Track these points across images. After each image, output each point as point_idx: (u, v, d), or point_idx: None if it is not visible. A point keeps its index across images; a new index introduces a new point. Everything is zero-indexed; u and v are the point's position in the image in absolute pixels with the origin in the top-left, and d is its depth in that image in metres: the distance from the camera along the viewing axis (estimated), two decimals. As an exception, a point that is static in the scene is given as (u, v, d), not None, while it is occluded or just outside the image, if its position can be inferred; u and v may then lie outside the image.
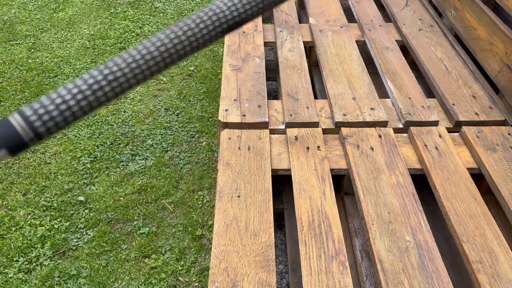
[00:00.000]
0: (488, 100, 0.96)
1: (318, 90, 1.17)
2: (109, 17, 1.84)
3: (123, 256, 0.95)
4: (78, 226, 1.02)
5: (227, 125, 0.89)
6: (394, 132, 0.89)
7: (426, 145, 0.85)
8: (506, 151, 0.83)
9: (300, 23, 1.28)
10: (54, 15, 1.84)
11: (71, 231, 1.01)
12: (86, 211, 1.05)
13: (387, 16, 1.35)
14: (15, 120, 0.14)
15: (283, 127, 0.90)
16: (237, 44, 1.15)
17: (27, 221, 1.03)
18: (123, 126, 1.30)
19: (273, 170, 0.80)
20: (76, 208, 1.06)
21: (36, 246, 0.97)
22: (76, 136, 1.26)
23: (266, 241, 0.67)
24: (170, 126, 1.31)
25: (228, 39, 1.17)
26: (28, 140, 0.14)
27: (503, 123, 0.91)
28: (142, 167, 1.17)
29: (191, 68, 1.56)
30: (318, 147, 0.84)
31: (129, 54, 0.18)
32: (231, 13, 0.22)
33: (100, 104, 0.16)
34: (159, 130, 1.29)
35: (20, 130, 0.13)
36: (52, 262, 0.94)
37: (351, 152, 0.83)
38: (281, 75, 1.04)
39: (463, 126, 0.90)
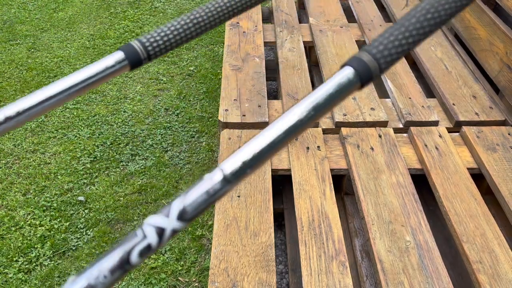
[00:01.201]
0: (488, 100, 0.96)
1: (318, 90, 1.16)
2: (109, 17, 1.83)
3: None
4: (78, 226, 1.02)
5: (227, 125, 0.89)
6: (394, 132, 0.89)
7: (426, 145, 0.85)
8: (506, 151, 0.83)
9: (300, 23, 1.28)
10: (54, 15, 1.84)
11: (71, 231, 1.01)
12: (86, 211, 1.05)
13: (387, 16, 1.35)
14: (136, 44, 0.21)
15: (283, 127, 0.89)
16: (237, 44, 1.15)
17: (27, 221, 1.03)
18: (123, 126, 1.30)
19: (273, 170, 0.80)
20: (76, 208, 1.06)
21: (36, 246, 0.97)
22: (76, 136, 1.26)
23: (266, 241, 0.67)
24: (170, 126, 1.30)
25: (228, 39, 1.17)
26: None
27: (503, 123, 0.91)
28: (142, 167, 1.17)
29: (191, 68, 1.56)
30: (318, 147, 0.84)
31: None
32: None
33: None
34: (159, 130, 1.29)
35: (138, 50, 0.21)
36: (52, 262, 0.94)
37: (351, 152, 0.83)
38: (281, 75, 1.04)
39: (463, 126, 0.90)
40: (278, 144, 0.16)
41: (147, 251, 0.15)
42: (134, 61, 0.21)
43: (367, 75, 0.17)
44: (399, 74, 1.05)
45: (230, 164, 0.16)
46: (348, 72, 0.17)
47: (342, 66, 0.17)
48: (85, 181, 1.13)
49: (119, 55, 0.21)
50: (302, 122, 0.17)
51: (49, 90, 0.20)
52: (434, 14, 0.18)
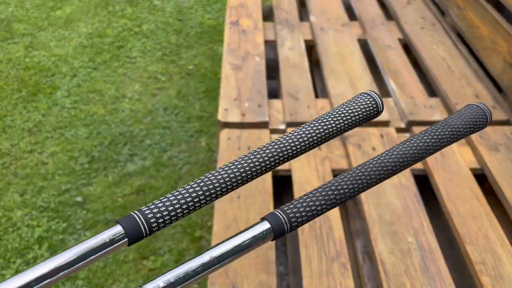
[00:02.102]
0: (491, 99, 0.95)
1: (319, 89, 1.16)
2: (107, 16, 1.82)
3: (121, 258, 0.94)
4: (76, 227, 1.01)
5: (227, 125, 0.88)
6: (396, 132, 0.88)
7: (428, 145, 0.84)
8: (509, 151, 0.82)
9: (301, 21, 1.27)
10: (52, 13, 1.82)
11: (68, 232, 1.00)
12: (84, 212, 1.04)
13: (388, 14, 1.34)
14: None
15: (283, 126, 0.89)
16: (237, 42, 1.14)
17: (24, 222, 1.02)
18: (121, 125, 1.29)
19: (273, 171, 0.79)
20: (73, 209, 1.05)
21: (33, 247, 0.96)
22: (73, 136, 1.25)
23: (267, 243, 0.66)
24: (169, 126, 1.29)
25: (227, 37, 1.16)
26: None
27: (506, 122, 0.90)
28: (141, 167, 1.16)
29: (190, 67, 1.54)
30: (319, 147, 0.83)
31: None
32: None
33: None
34: (157, 130, 1.28)
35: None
36: (50, 263, 0.93)
37: (353, 152, 0.82)
38: (281, 74, 1.03)
39: (465, 126, 0.89)
40: (201, 274, 0.19)
41: None
42: (134, 237, 0.19)
43: (280, 232, 0.20)
44: (401, 73, 1.04)
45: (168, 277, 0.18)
46: (265, 227, 0.20)
47: (261, 220, 0.21)
48: (83, 181, 1.12)
49: (117, 229, 0.19)
50: (219, 260, 0.19)
51: (29, 274, 0.18)
52: (345, 190, 0.22)
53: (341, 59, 1.08)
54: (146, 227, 0.19)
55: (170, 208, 0.20)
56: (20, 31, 1.71)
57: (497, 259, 0.65)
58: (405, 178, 0.77)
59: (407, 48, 1.19)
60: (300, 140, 0.24)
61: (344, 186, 0.22)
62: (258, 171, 0.23)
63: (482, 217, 0.71)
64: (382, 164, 0.23)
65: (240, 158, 0.23)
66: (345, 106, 0.26)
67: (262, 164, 0.23)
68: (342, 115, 0.25)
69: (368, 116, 0.26)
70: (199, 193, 0.21)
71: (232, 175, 0.22)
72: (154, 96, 1.41)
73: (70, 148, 1.21)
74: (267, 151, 0.23)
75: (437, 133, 0.25)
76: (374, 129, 0.88)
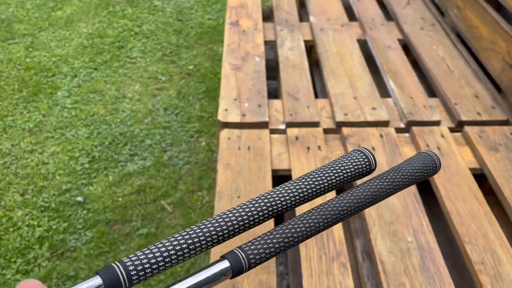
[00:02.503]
0: (490, 100, 0.96)
1: (319, 90, 1.16)
2: (108, 16, 1.82)
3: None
4: (76, 227, 1.01)
5: (227, 125, 0.88)
6: (396, 132, 0.89)
7: (428, 145, 0.84)
8: (509, 151, 0.82)
9: (300, 21, 1.27)
10: (52, 13, 1.83)
11: (69, 232, 1.00)
12: (84, 211, 1.05)
13: (388, 14, 1.34)
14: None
15: (283, 127, 0.89)
16: (237, 43, 1.14)
17: (25, 221, 1.02)
18: (122, 125, 1.29)
19: (273, 171, 0.79)
20: (74, 209, 1.05)
21: (34, 247, 0.96)
22: (74, 136, 1.26)
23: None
24: (169, 126, 1.30)
25: (227, 37, 1.16)
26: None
27: (505, 122, 0.91)
28: (141, 167, 1.16)
29: (190, 67, 1.55)
30: (319, 147, 0.83)
31: None
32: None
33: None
34: (158, 130, 1.28)
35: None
36: (50, 263, 0.93)
37: (352, 152, 0.82)
38: (281, 74, 1.04)
39: (465, 126, 0.89)
40: None
41: None
42: None
43: (238, 271, 0.21)
44: (401, 74, 1.04)
45: None
46: (224, 265, 0.21)
47: (221, 258, 0.21)
48: (84, 181, 1.12)
49: (96, 281, 0.19)
50: None
51: None
52: (302, 230, 0.23)
53: (341, 60, 1.08)
54: (125, 278, 0.19)
55: (152, 261, 0.20)
56: (21, 31, 1.71)
57: (496, 258, 0.65)
58: (404, 178, 0.77)
59: (407, 48, 1.19)
60: (291, 194, 0.24)
61: (302, 226, 0.23)
62: (246, 225, 0.23)
63: (482, 217, 0.71)
64: (338, 207, 0.24)
65: (228, 211, 0.23)
66: (337, 163, 0.26)
67: (250, 218, 0.23)
68: (334, 171, 0.25)
69: (360, 173, 0.26)
70: (183, 246, 0.21)
71: (218, 229, 0.22)
72: (155, 96, 1.41)
73: (71, 148, 1.21)
74: (256, 205, 0.23)
75: (389, 177, 0.26)
76: (373, 129, 0.88)
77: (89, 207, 1.06)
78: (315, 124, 0.89)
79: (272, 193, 0.24)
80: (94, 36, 1.69)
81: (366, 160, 0.26)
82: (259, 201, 0.23)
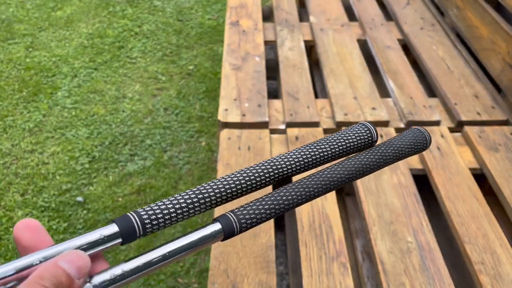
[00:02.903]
0: (490, 100, 0.96)
1: (319, 90, 1.16)
2: (108, 16, 1.82)
3: (122, 258, 0.94)
4: (77, 227, 1.01)
5: (227, 125, 0.88)
6: (396, 132, 0.89)
7: (427, 145, 0.84)
8: (509, 151, 0.82)
9: (300, 21, 1.27)
10: (52, 13, 1.83)
11: (69, 232, 1.00)
12: (85, 211, 1.05)
13: (388, 14, 1.34)
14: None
15: (283, 126, 0.89)
16: (237, 43, 1.14)
17: (25, 221, 1.02)
18: (122, 125, 1.29)
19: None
20: (74, 209, 1.05)
21: (34, 247, 0.96)
22: (74, 136, 1.26)
23: (266, 242, 0.66)
24: (169, 126, 1.30)
25: (227, 37, 1.16)
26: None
27: (505, 122, 0.91)
28: (141, 167, 1.16)
29: (191, 67, 1.55)
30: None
31: None
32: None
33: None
34: (158, 130, 1.28)
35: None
36: (50, 263, 0.93)
37: (352, 152, 0.82)
38: (281, 74, 1.04)
39: (465, 126, 0.89)
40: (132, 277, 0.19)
41: None
42: (128, 237, 0.20)
43: (230, 233, 0.22)
44: (401, 74, 1.04)
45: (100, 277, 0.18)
46: (216, 228, 0.22)
47: (213, 221, 0.22)
48: (84, 181, 1.12)
49: (112, 228, 0.20)
50: (170, 255, 0.20)
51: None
52: (293, 198, 0.23)
53: (341, 60, 1.08)
54: (140, 227, 0.20)
55: (165, 212, 0.21)
56: (21, 32, 1.71)
57: (496, 258, 0.65)
58: (404, 177, 0.78)
59: (407, 48, 1.19)
60: (296, 160, 0.25)
61: (293, 194, 0.23)
62: (253, 186, 0.24)
63: (481, 217, 0.71)
64: (329, 176, 0.25)
65: (237, 172, 0.24)
66: (341, 134, 0.27)
67: (257, 179, 0.24)
68: (338, 142, 0.26)
69: (363, 145, 0.27)
70: (194, 201, 0.22)
71: (227, 187, 0.23)
72: (155, 96, 1.41)
73: (71, 148, 1.21)
74: (263, 167, 0.24)
75: (380, 151, 0.26)
76: (373, 129, 0.88)
77: (89, 207, 1.06)
78: (315, 124, 0.89)
79: (278, 158, 0.25)
80: (94, 36, 1.69)
81: (368, 133, 0.27)
82: (266, 164, 0.24)
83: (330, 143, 0.26)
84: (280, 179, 0.25)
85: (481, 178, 0.81)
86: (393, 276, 0.63)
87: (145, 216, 0.20)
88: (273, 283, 0.61)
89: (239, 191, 0.23)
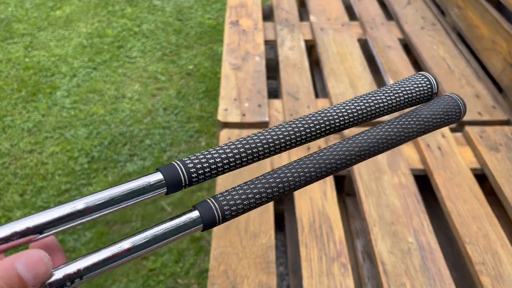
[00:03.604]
0: (491, 100, 0.95)
1: (319, 89, 1.16)
2: (107, 15, 1.82)
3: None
4: (76, 227, 1.01)
5: (227, 125, 0.88)
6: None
7: (428, 145, 0.84)
8: (510, 151, 0.82)
9: (301, 21, 1.26)
10: (52, 13, 1.82)
11: (68, 233, 1.00)
12: (84, 211, 1.04)
13: (389, 14, 1.34)
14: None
15: (283, 126, 0.88)
16: (237, 42, 1.14)
17: (24, 222, 1.01)
18: (121, 125, 1.29)
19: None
20: (73, 209, 1.05)
21: (33, 247, 0.96)
22: (73, 136, 1.25)
23: (266, 243, 0.66)
24: (169, 126, 1.29)
25: (227, 37, 1.16)
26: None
27: (506, 122, 0.90)
28: (140, 167, 1.16)
29: (190, 67, 1.54)
30: (319, 147, 0.83)
31: None
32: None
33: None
34: (157, 130, 1.27)
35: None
36: (49, 263, 0.93)
37: (353, 152, 0.81)
38: (281, 74, 1.03)
39: (466, 126, 0.89)
40: (112, 263, 0.18)
41: None
42: (173, 185, 0.19)
43: (210, 223, 0.19)
44: (401, 73, 1.04)
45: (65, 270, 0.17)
46: (193, 216, 0.19)
47: (192, 208, 0.19)
48: (83, 181, 1.12)
49: (157, 175, 0.19)
50: (141, 248, 0.18)
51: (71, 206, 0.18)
52: (290, 180, 0.21)
53: (341, 59, 1.08)
54: (186, 176, 0.19)
55: (211, 161, 0.19)
56: (20, 31, 1.71)
57: (497, 259, 0.65)
58: (405, 178, 0.77)
59: (407, 48, 1.19)
60: (349, 111, 0.22)
61: (289, 176, 0.21)
62: (303, 138, 0.21)
63: (482, 217, 0.71)
64: (335, 155, 0.22)
65: (286, 123, 0.22)
66: (398, 85, 0.24)
67: (307, 131, 0.21)
68: (395, 92, 0.23)
69: (422, 98, 0.24)
70: (241, 151, 0.20)
71: (275, 137, 0.21)
72: (154, 96, 1.41)
73: (70, 148, 1.21)
74: (313, 119, 0.22)
75: (402, 122, 0.23)
76: (374, 129, 0.87)
77: (89, 207, 1.05)
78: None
79: (330, 110, 0.22)
80: (93, 35, 1.69)
81: (428, 84, 0.24)
82: (318, 116, 0.22)
83: (387, 94, 0.23)
84: (332, 132, 0.22)
85: (482, 178, 0.80)
86: (394, 276, 0.62)
87: (190, 165, 0.19)
88: (273, 284, 0.61)
89: (287, 143, 0.21)
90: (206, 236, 0.98)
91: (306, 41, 1.18)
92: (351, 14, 1.31)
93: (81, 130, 1.27)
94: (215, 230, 0.68)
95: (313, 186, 0.75)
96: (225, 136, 0.85)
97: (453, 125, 0.91)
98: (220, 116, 0.88)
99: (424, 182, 0.81)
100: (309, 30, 1.22)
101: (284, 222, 0.87)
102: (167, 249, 0.95)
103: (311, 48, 1.22)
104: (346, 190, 0.86)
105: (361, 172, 0.78)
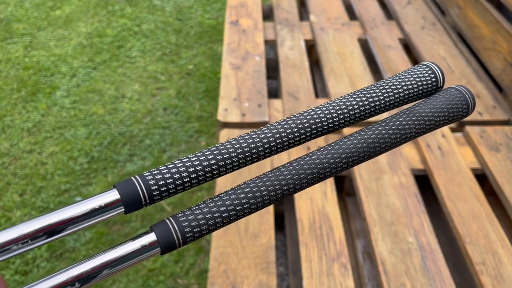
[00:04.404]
0: (491, 99, 0.95)
1: (319, 89, 1.15)
2: (107, 15, 1.82)
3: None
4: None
5: (227, 125, 0.87)
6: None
7: (429, 145, 0.84)
8: (510, 151, 0.82)
9: (301, 21, 1.26)
10: (51, 13, 1.82)
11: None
12: (84, 212, 1.04)
13: (389, 14, 1.34)
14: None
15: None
16: (237, 42, 1.14)
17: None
18: (121, 125, 1.29)
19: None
20: (73, 209, 1.04)
21: (32, 247, 0.96)
22: (73, 136, 1.25)
23: (266, 243, 0.66)
24: (169, 126, 1.29)
25: (227, 37, 1.16)
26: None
27: (506, 122, 0.90)
28: (140, 167, 1.16)
29: (190, 67, 1.54)
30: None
31: None
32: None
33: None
34: (157, 130, 1.27)
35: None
36: (49, 263, 0.93)
37: (353, 152, 0.81)
38: (281, 73, 1.03)
39: (466, 126, 0.89)
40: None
41: None
42: (131, 204, 0.16)
43: (168, 247, 0.16)
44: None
45: None
46: (149, 240, 0.16)
47: (150, 229, 0.17)
48: (83, 181, 1.12)
49: (113, 193, 0.16)
50: (92, 276, 0.16)
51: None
52: (270, 191, 0.18)
53: (341, 59, 1.08)
54: (145, 193, 0.16)
55: (176, 176, 0.16)
56: (20, 31, 1.71)
57: (497, 259, 0.65)
58: (405, 178, 0.77)
59: (408, 47, 1.19)
60: (339, 112, 0.19)
61: (262, 188, 0.17)
62: (285, 144, 0.18)
63: (483, 217, 0.70)
64: (318, 163, 0.18)
65: (265, 127, 0.19)
66: (397, 78, 0.21)
67: (290, 136, 0.18)
68: (394, 87, 0.20)
69: (425, 92, 0.21)
70: (212, 163, 0.17)
71: (252, 146, 0.18)
72: (154, 96, 1.41)
73: (70, 148, 1.21)
74: (298, 122, 0.19)
75: (399, 122, 0.20)
76: (374, 129, 0.87)
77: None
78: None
79: (317, 110, 0.19)
80: (93, 35, 1.69)
81: (432, 76, 0.21)
82: (302, 118, 0.19)
83: (383, 89, 0.20)
84: (318, 136, 0.19)
85: (483, 178, 0.80)
86: (394, 277, 0.62)
87: (151, 180, 0.16)
88: (273, 284, 0.61)
89: (267, 151, 0.18)
90: (206, 236, 0.98)
91: (306, 41, 1.17)
92: (351, 14, 1.31)
93: (80, 130, 1.27)
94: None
95: (313, 186, 0.75)
96: (225, 136, 0.85)
97: (453, 125, 0.90)
98: (220, 116, 0.88)
99: (424, 182, 0.81)
100: (309, 30, 1.22)
101: (284, 222, 0.87)
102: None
103: (311, 48, 1.22)
104: (346, 190, 0.86)
105: (361, 172, 0.78)
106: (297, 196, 0.74)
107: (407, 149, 0.85)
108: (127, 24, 1.77)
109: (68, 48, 1.61)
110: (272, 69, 1.24)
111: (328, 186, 0.75)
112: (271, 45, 1.26)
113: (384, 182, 0.76)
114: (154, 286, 0.88)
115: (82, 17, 1.80)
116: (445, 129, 0.88)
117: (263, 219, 0.69)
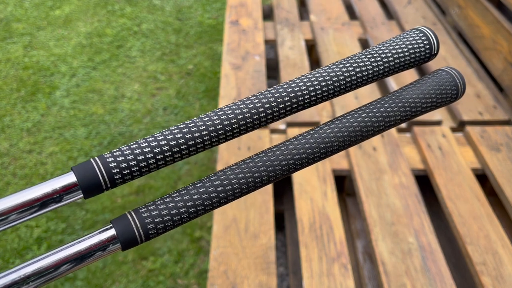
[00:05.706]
0: (492, 99, 0.95)
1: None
2: (106, 15, 1.81)
3: (121, 258, 0.93)
4: (75, 228, 1.00)
5: (227, 125, 0.87)
6: (397, 132, 0.88)
7: (429, 145, 0.83)
8: (510, 151, 0.82)
9: (301, 20, 1.26)
10: (51, 13, 1.82)
11: (67, 233, 0.99)
12: (83, 212, 1.04)
13: (389, 13, 1.34)
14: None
15: (283, 126, 0.88)
16: (237, 42, 1.13)
17: (23, 222, 1.01)
18: (120, 125, 1.29)
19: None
20: (72, 209, 1.04)
21: (32, 247, 0.96)
22: (72, 136, 1.25)
23: (267, 243, 0.66)
24: (168, 126, 1.29)
25: (227, 37, 1.15)
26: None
27: (507, 122, 0.90)
28: (140, 167, 1.15)
29: (190, 67, 1.54)
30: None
31: None
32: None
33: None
34: (157, 130, 1.27)
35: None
36: None
37: (353, 152, 0.81)
38: (281, 73, 1.03)
39: (466, 126, 0.88)
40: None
41: None
42: (90, 188, 0.14)
43: (129, 242, 0.15)
44: (402, 73, 1.04)
45: None
46: (108, 235, 0.15)
47: (110, 223, 0.16)
48: (82, 181, 1.11)
49: (69, 177, 0.15)
50: (46, 273, 0.15)
51: None
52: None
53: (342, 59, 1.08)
54: (104, 174, 0.15)
55: (140, 157, 0.15)
56: (19, 31, 1.70)
57: (498, 259, 0.64)
58: (405, 178, 0.77)
59: (408, 47, 1.18)
60: (322, 83, 0.17)
61: (233, 180, 0.16)
62: (263, 119, 0.17)
63: (483, 217, 0.70)
64: (296, 149, 0.17)
65: (240, 100, 0.17)
66: (387, 45, 0.19)
67: (268, 112, 0.16)
68: (383, 55, 0.18)
69: (418, 59, 0.19)
70: (180, 142, 0.16)
71: (226, 121, 0.16)
72: (154, 96, 1.40)
73: (69, 148, 1.21)
74: (276, 94, 0.17)
75: (386, 106, 0.18)
76: (374, 129, 0.87)
77: (88, 207, 1.05)
78: (316, 124, 0.88)
79: (298, 81, 0.17)
80: (92, 35, 1.68)
81: (426, 42, 0.19)
82: (281, 90, 0.17)
83: (372, 58, 0.18)
84: (299, 109, 0.17)
85: (483, 178, 0.80)
86: (394, 277, 0.62)
87: (112, 162, 0.14)
88: (273, 284, 0.61)
89: (242, 127, 0.16)
90: (206, 236, 0.98)
91: (306, 41, 1.17)
92: (352, 14, 1.31)
93: (80, 130, 1.26)
94: (215, 230, 0.68)
95: (313, 186, 0.75)
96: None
97: (453, 125, 0.90)
98: (220, 116, 0.88)
99: (424, 182, 0.81)
100: (309, 30, 1.21)
101: (284, 223, 0.87)
102: (166, 249, 0.95)
103: (311, 48, 1.22)
104: (346, 190, 0.86)
105: (362, 172, 0.77)
106: (297, 196, 0.74)
107: (408, 149, 0.84)
108: (126, 23, 1.76)
109: (67, 48, 1.61)
110: (272, 69, 1.23)
111: (328, 186, 0.75)
112: (271, 45, 1.26)
113: (385, 182, 0.76)
114: (154, 287, 0.88)
115: (81, 16, 1.79)
116: (446, 129, 0.88)
117: (263, 219, 0.69)
